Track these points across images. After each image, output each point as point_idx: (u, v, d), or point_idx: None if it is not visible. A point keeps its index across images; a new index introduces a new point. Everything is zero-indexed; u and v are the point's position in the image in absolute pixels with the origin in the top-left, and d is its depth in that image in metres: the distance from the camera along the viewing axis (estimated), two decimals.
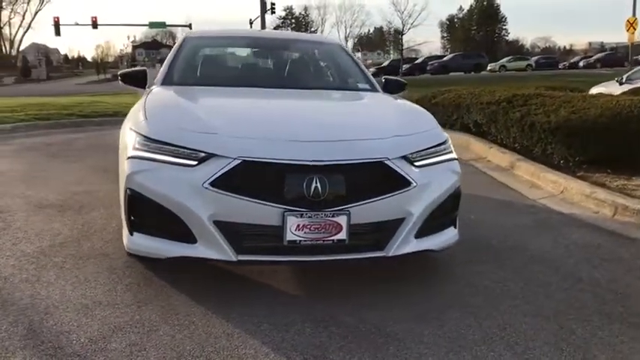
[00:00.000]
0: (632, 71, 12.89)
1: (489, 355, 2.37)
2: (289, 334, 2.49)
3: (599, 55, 49.93)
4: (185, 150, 2.69)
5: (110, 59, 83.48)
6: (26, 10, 70.23)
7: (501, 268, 3.36)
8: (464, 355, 2.37)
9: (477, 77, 33.61)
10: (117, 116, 10.78)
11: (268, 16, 39.19)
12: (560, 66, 48.77)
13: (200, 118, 2.98)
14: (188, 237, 2.69)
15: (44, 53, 66.66)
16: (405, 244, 2.85)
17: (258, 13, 36.84)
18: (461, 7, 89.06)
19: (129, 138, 2.92)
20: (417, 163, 2.89)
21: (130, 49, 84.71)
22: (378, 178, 2.79)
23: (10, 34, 67.14)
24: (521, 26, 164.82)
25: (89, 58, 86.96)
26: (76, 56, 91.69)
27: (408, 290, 2.99)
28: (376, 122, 3.27)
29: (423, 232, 2.92)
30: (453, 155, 3.20)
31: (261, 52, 5.03)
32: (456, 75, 37.97)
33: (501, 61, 48.03)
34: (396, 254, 2.82)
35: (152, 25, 44.93)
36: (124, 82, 4.02)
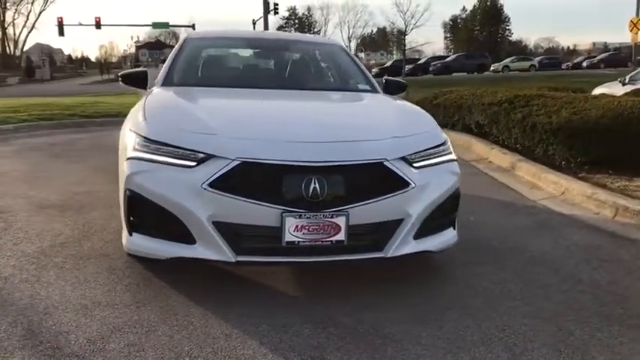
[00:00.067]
0: (636, 72, 12.83)
1: (487, 357, 2.37)
2: (287, 335, 2.49)
3: (603, 55, 49.74)
4: (184, 151, 2.70)
5: (114, 59, 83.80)
6: (30, 11, 70.30)
7: (501, 269, 3.35)
8: (462, 356, 2.37)
9: (480, 78, 33.56)
10: (119, 117, 10.75)
11: (271, 17, 39.33)
12: (564, 66, 48.64)
13: (199, 119, 2.98)
14: (187, 238, 2.69)
15: (48, 53, 66.93)
16: (404, 245, 2.85)
17: (262, 13, 36.87)
18: (464, 7, 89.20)
19: (128, 139, 2.93)
20: (415, 164, 2.89)
21: (133, 50, 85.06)
22: (377, 179, 2.79)
23: (14, 34, 67.53)
24: (525, 26, 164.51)
25: (93, 59, 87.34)
26: (79, 56, 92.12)
27: (407, 291, 2.99)
28: (375, 123, 3.27)
29: (421, 233, 2.92)
30: (453, 156, 3.19)
31: (262, 53, 5.03)
32: (459, 75, 37.91)
33: (504, 61, 47.93)
34: (394, 255, 2.82)
35: (155, 25, 45.07)
36: (124, 83, 4.03)
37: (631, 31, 23.86)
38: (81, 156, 7.26)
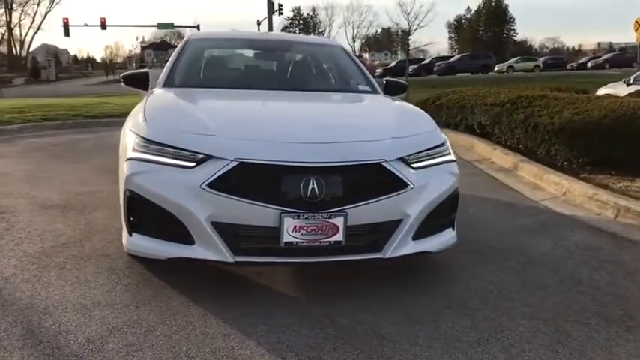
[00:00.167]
0: None
1: (484, 357, 2.37)
2: (285, 335, 2.50)
3: (608, 55, 49.59)
4: (183, 152, 2.71)
5: (119, 60, 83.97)
6: (36, 12, 70.60)
7: (500, 269, 3.35)
8: (458, 356, 2.37)
9: (485, 78, 33.51)
10: (124, 117, 10.73)
11: (276, 18, 39.22)
12: (568, 67, 48.44)
13: (199, 120, 2.99)
14: (186, 238, 2.71)
15: (54, 54, 67.16)
16: (403, 245, 2.85)
17: (266, 14, 36.87)
18: (468, 7, 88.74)
19: (129, 139, 2.95)
20: (414, 165, 2.89)
21: (138, 50, 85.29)
22: (375, 179, 2.79)
23: (21, 35, 67.97)
24: (530, 27, 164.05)
25: (98, 59, 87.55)
26: (85, 57, 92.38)
27: (405, 292, 3.00)
28: (374, 124, 3.28)
29: (420, 233, 2.92)
30: (452, 157, 3.19)
31: (263, 54, 5.04)
32: (463, 76, 37.83)
33: (509, 61, 47.77)
34: (393, 256, 2.83)
35: (160, 26, 45.10)
36: (126, 84, 4.06)
37: (636, 31, 23.70)
38: (85, 156, 7.29)
